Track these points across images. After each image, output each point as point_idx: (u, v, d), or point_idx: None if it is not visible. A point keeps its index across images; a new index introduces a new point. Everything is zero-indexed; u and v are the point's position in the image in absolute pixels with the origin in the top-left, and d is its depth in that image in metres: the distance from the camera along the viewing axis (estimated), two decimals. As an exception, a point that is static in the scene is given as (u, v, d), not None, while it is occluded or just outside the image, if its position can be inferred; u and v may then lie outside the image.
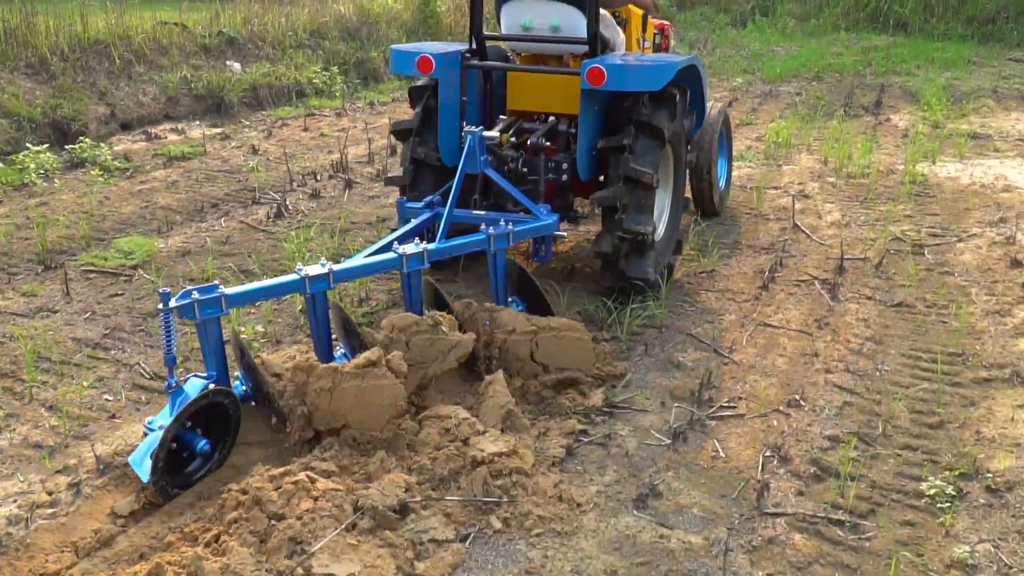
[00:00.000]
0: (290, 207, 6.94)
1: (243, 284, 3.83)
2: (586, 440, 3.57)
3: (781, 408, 3.83)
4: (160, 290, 3.22)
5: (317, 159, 8.56)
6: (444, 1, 15.44)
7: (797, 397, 3.91)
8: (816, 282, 5.32)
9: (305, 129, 10.04)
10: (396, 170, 5.84)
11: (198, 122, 10.25)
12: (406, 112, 11.32)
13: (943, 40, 16.97)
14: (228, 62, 11.58)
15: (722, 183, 6.64)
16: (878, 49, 16.02)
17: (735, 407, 3.85)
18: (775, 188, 7.46)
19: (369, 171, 8.11)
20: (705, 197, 6.29)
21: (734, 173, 7.63)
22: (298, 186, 7.58)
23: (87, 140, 8.39)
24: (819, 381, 4.09)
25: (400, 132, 5.16)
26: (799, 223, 6.42)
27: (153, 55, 10.77)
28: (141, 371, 4.22)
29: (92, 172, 7.77)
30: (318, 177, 7.87)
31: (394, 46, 5.06)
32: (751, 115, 10.65)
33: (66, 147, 8.24)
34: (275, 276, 5.24)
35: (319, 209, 6.97)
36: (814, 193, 7.28)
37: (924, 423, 3.74)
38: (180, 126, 9.93)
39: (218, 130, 9.96)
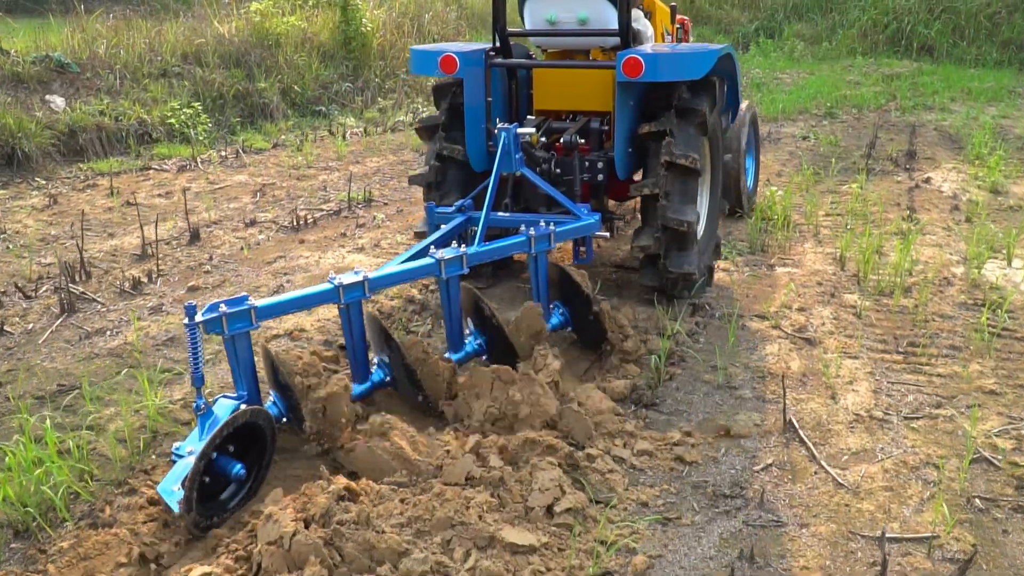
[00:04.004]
0: (-74, 361, 4.09)
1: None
2: None
3: None
4: (186, 304, 2.89)
5: (70, 252, 5.66)
6: (371, 19, 12.63)
7: None
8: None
9: (112, 193, 7.18)
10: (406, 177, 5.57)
11: (-29, 182, 7.43)
12: (279, 164, 8.49)
13: (976, 67, 14.46)
14: (49, 96, 8.78)
15: (750, 182, 6.37)
16: (901, 77, 13.38)
17: None
18: (760, 318, 4.55)
19: (131, 274, 5.20)
20: (734, 196, 6.02)
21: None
22: (-13, 310, 4.73)
23: None
24: None
25: (426, 129, 4.83)
26: (796, 420, 3.50)
27: (-73, 89, 7.99)
28: None
29: None
30: (33, 291, 4.99)
31: (414, 46, 4.84)
32: (738, 172, 7.74)
33: None
34: None
35: (-20, 363, 4.11)
36: (823, 333, 4.36)
37: None
38: (-63, 189, 7.13)
39: (-3, 193, 7.15)
